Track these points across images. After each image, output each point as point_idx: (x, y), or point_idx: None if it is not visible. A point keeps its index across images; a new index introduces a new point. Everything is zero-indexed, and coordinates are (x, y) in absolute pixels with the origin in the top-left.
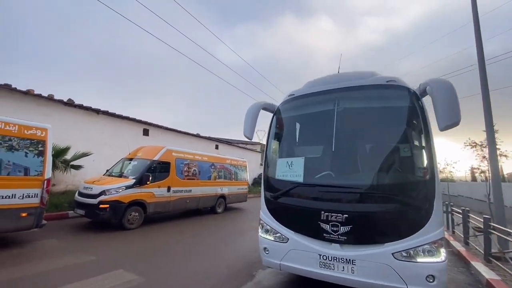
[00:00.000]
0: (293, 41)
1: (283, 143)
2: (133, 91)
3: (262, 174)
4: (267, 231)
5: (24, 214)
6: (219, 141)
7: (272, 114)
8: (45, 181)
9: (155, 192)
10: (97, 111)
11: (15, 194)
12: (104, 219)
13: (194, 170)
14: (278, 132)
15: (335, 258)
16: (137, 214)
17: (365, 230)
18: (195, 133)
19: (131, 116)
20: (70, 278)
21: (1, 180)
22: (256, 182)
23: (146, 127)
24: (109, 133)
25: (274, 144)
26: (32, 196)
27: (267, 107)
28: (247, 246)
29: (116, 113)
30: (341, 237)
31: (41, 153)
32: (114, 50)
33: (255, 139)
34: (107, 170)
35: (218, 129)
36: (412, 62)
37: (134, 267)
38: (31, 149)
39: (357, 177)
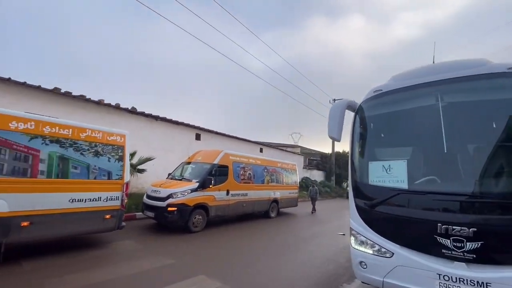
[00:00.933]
0: (323, 43)
1: (373, 144)
2: (169, 97)
3: (349, 180)
4: (362, 243)
5: (107, 216)
6: (263, 145)
7: (353, 113)
8: (125, 185)
9: (216, 195)
10: (156, 118)
11: (100, 197)
12: (172, 221)
13: (249, 173)
14: (365, 132)
15: (461, 279)
16: (200, 217)
17: (504, 247)
18: (241, 137)
19: (185, 122)
20: (157, 282)
21: (89, 183)
22: (299, 186)
23: (198, 132)
24: (166, 138)
25: (360, 146)
26: (114, 199)
27: (350, 105)
28: (318, 256)
29: (173, 119)
30: (468, 255)
31: (121, 158)
32: (152, 60)
33: (291, 141)
34: (169, 174)
35: (251, 133)
36: (458, 55)
37: (214, 273)
38: (112, 154)
39: (486, 183)
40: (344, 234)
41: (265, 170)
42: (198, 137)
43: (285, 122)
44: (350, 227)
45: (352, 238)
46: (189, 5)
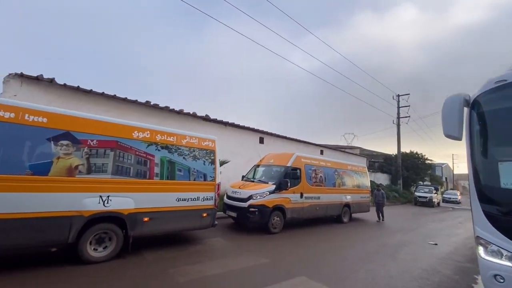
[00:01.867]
0: (372, 38)
1: (500, 143)
2: (221, 102)
3: (471, 183)
4: (495, 254)
5: (204, 215)
6: (323, 147)
7: (468, 108)
8: (217, 186)
9: (291, 198)
10: (225, 124)
11: (199, 197)
12: (254, 222)
13: (321, 176)
14: (487, 129)
15: None
16: (278, 219)
17: None
18: (302, 139)
19: (251, 126)
20: (260, 280)
21: (190, 185)
22: None
23: (262, 136)
24: (234, 142)
25: (482, 145)
26: (209, 199)
27: (467, 99)
28: (413, 266)
29: (240, 124)
30: None
31: (213, 161)
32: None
33: (343, 142)
34: (243, 176)
35: (304, 134)
36: None
37: (315, 275)
38: (206, 158)
39: None
40: (436, 244)
41: (336, 173)
42: (261, 140)
43: (336, 123)
44: (477, 236)
45: (481, 248)
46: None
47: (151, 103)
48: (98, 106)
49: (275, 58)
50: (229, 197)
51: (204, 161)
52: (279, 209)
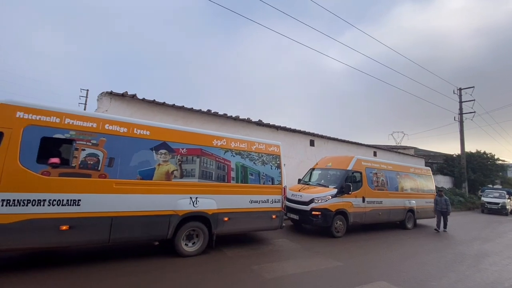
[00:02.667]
0: (413, 32)
1: None
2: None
3: None
4: None
5: (274, 216)
6: (376, 148)
7: None
8: (283, 189)
9: (353, 202)
10: (277, 128)
11: (268, 199)
12: (317, 225)
13: (382, 180)
14: None
15: None
16: (341, 223)
17: None
18: (353, 140)
19: (302, 129)
20: (342, 282)
21: (260, 188)
22: None
23: (312, 138)
24: (285, 145)
25: None
26: (277, 202)
27: None
28: (508, 277)
29: (291, 128)
30: None
31: (279, 166)
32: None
33: (391, 141)
34: (300, 179)
35: (346, 134)
36: None
37: (396, 281)
38: (273, 162)
39: None
40: None
41: (398, 176)
42: (312, 143)
43: (380, 121)
44: None
45: None
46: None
47: (212, 111)
48: (168, 116)
49: (308, 60)
50: (289, 200)
51: (271, 166)
52: (342, 213)
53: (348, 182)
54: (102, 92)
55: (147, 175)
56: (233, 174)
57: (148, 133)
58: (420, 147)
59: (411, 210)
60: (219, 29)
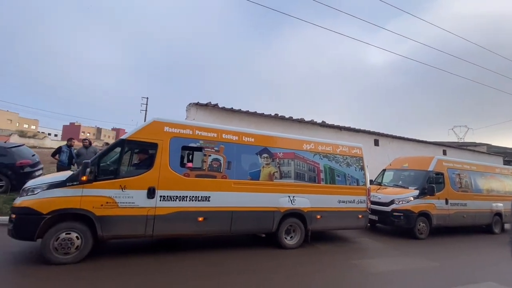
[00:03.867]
0: (464, 20)
1: None
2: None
3: None
4: None
5: (360, 216)
6: (446, 146)
7: None
8: (368, 190)
9: (436, 204)
10: (340, 128)
11: (354, 200)
12: (398, 226)
13: (466, 181)
14: None
15: None
16: (424, 225)
17: None
18: (419, 139)
19: (366, 129)
20: (445, 281)
21: (347, 189)
22: None
23: (376, 138)
24: None
25: None
26: (362, 202)
27: None
28: None
29: (356, 127)
30: None
31: (362, 167)
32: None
33: (451, 137)
34: (372, 180)
35: (399, 130)
36: None
37: (502, 281)
38: (356, 164)
39: None
40: None
41: (483, 177)
42: (376, 142)
43: (436, 116)
44: None
45: None
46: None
47: (279, 115)
48: (242, 121)
49: (347, 58)
50: None
51: (355, 168)
52: (424, 215)
53: (430, 183)
54: (190, 103)
55: (255, 176)
56: (322, 175)
57: (253, 140)
58: (494, 143)
59: (498, 214)
60: (254, 32)
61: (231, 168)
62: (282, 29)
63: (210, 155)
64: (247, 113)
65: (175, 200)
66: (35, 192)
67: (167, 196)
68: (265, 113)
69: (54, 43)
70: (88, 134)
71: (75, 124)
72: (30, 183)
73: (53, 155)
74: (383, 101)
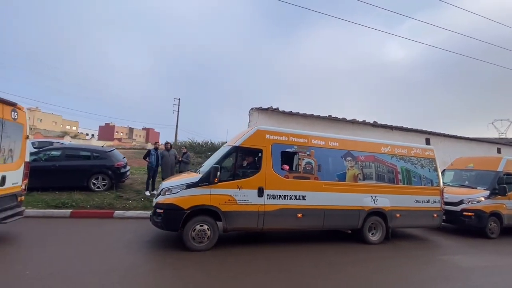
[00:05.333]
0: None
1: None
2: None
3: None
4: None
5: (435, 215)
6: (501, 144)
7: None
8: (441, 190)
9: (507, 204)
10: (392, 128)
11: (429, 200)
12: (469, 225)
13: None
14: None
15: None
16: (495, 224)
17: None
18: (474, 137)
19: (417, 128)
20: None
21: (422, 189)
22: None
23: (428, 136)
24: None
25: None
26: (437, 202)
27: None
28: None
29: (408, 127)
30: None
31: (435, 169)
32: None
33: (491, 131)
34: None
35: (430, 126)
36: None
37: None
38: (430, 165)
39: None
40: None
41: None
42: (427, 141)
43: (470, 109)
44: None
45: None
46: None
47: (332, 116)
48: (298, 123)
49: (366, 55)
50: None
51: (429, 169)
52: (495, 215)
53: (501, 184)
54: (252, 108)
55: (341, 177)
56: (400, 176)
57: (337, 144)
58: None
59: None
60: (275, 32)
61: (321, 170)
62: (299, 31)
63: (303, 159)
64: (303, 115)
65: (279, 199)
66: (176, 191)
67: (273, 195)
68: (320, 115)
69: (92, 54)
70: (121, 134)
71: (110, 124)
72: (166, 184)
73: (144, 157)
74: (408, 97)
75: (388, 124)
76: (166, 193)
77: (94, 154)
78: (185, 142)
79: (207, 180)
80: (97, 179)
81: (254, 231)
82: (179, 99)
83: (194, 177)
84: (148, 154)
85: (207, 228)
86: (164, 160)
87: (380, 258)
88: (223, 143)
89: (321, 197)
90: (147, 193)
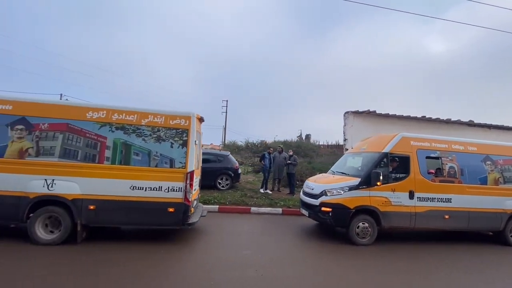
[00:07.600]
0: None
1: None
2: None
3: None
4: None
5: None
6: None
7: None
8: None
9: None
10: (489, 126)
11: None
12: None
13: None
14: None
15: None
16: (367, 225)
17: None
18: None
19: None
20: None
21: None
22: None
23: None
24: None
25: None
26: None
27: None
28: None
29: (507, 125)
30: None
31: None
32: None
33: None
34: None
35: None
36: None
37: None
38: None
39: None
40: None
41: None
42: None
43: None
44: None
45: None
46: None
47: (426, 117)
48: (392, 125)
49: (406, 50)
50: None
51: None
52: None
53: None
54: (348, 111)
55: (483, 181)
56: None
57: (475, 149)
58: None
59: None
60: (307, 32)
61: (463, 174)
62: (332, 33)
63: (447, 164)
64: (398, 117)
65: (427, 201)
66: (341, 193)
67: (422, 198)
68: (411, 115)
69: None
70: None
71: None
72: (328, 186)
73: (260, 160)
74: (449, 90)
75: (483, 122)
76: (328, 194)
77: (219, 157)
78: (246, 141)
79: (366, 183)
80: (221, 179)
81: (405, 230)
82: (226, 100)
83: (352, 180)
84: (262, 157)
85: (369, 226)
86: (275, 163)
87: None
88: (276, 142)
89: (466, 200)
90: (262, 191)
